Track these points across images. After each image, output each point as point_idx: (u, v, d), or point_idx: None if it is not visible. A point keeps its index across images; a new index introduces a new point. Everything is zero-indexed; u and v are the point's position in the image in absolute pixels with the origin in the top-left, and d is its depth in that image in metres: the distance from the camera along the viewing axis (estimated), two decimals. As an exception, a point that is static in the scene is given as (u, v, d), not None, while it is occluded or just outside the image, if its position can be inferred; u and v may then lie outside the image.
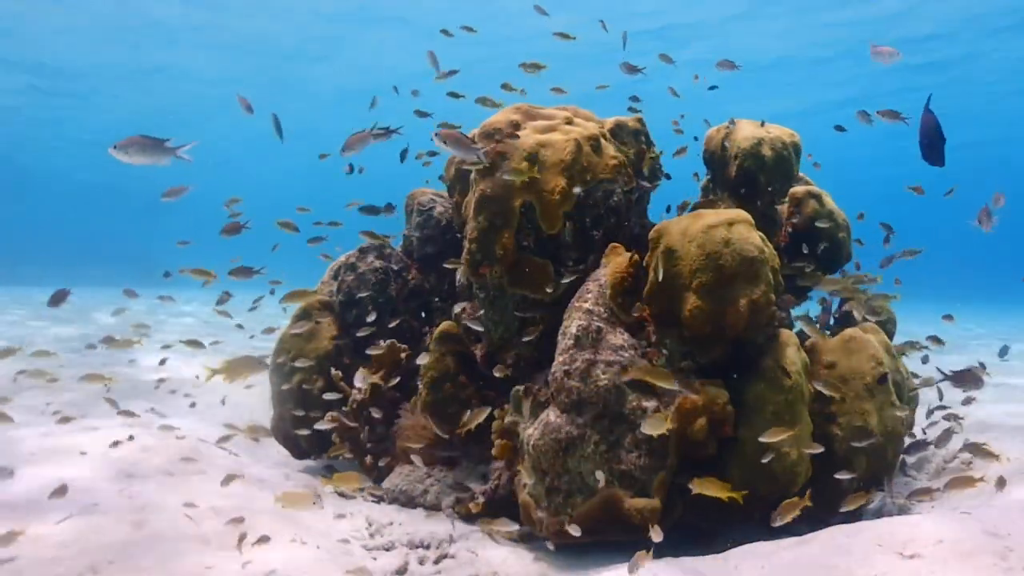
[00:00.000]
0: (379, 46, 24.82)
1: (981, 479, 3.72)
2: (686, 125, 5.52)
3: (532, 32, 21.24)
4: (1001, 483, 3.76)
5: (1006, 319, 21.91)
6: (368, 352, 4.61)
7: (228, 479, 3.64)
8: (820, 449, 3.45)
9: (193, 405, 6.46)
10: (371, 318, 4.84)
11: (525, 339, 3.92)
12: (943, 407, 4.97)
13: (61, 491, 3.20)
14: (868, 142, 32.21)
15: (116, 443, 4.21)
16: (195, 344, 4.91)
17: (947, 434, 4.88)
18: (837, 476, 3.52)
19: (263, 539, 3.05)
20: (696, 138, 5.31)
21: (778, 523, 3.04)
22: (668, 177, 4.64)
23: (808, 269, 4.27)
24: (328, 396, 4.53)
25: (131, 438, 4.28)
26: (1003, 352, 6.43)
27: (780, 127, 4.53)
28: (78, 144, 35.20)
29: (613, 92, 5.62)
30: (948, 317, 5.76)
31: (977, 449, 4.40)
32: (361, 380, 4.11)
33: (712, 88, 6.28)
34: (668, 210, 4.72)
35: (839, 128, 6.07)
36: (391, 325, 4.84)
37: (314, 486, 4.16)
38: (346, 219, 5.49)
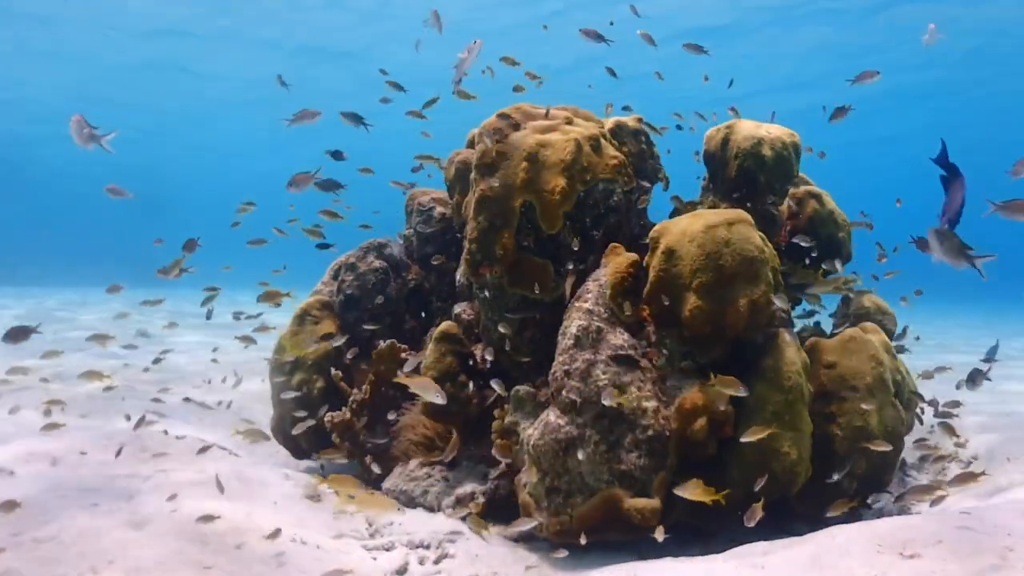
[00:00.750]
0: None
1: (940, 488, 3.72)
2: (675, 120, 5.52)
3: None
4: (965, 478, 3.73)
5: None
6: (348, 354, 4.62)
7: (219, 487, 3.62)
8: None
9: (187, 400, 6.47)
10: (380, 300, 4.84)
11: (501, 330, 3.92)
12: (931, 402, 5.01)
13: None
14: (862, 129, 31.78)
15: (120, 449, 4.21)
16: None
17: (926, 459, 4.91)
18: (828, 481, 3.52)
19: (274, 533, 3.05)
20: (679, 127, 5.32)
21: (751, 524, 3.04)
22: (666, 186, 4.63)
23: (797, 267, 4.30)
24: (286, 396, 4.56)
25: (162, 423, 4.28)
26: (991, 353, 6.33)
27: (780, 127, 4.53)
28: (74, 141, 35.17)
29: (611, 93, 5.60)
30: (915, 293, 5.75)
31: (945, 427, 4.41)
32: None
33: (729, 84, 6.29)
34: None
35: (824, 109, 6.09)
36: (370, 327, 4.83)
37: (312, 485, 4.16)
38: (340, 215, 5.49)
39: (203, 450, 4.26)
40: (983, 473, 3.87)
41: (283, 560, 2.96)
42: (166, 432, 4.73)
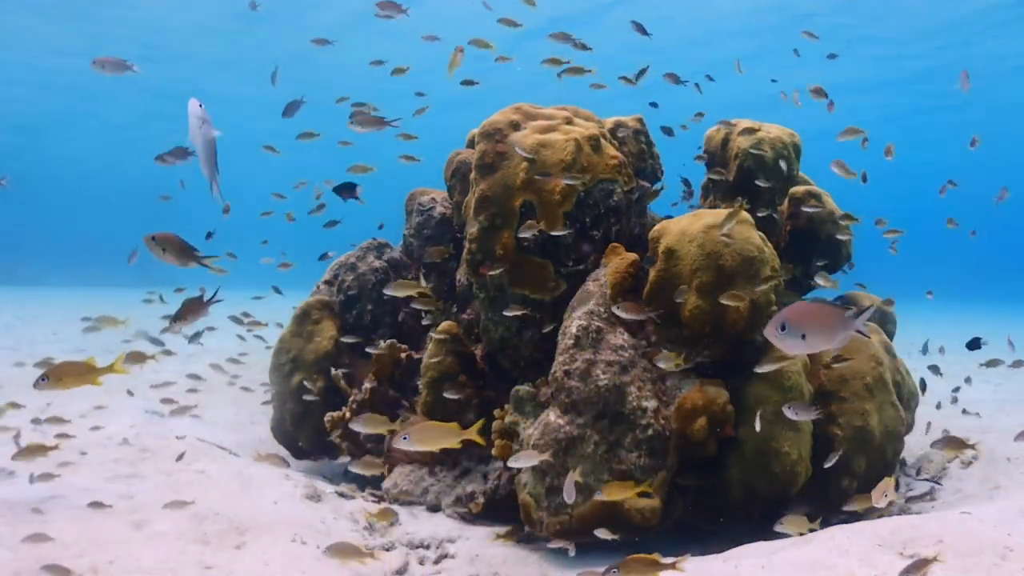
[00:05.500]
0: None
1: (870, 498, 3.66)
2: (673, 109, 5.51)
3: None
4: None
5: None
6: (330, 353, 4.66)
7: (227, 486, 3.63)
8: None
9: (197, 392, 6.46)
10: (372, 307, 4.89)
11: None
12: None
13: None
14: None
15: (124, 441, 4.21)
16: None
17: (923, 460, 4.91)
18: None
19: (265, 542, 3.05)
20: (653, 104, 5.29)
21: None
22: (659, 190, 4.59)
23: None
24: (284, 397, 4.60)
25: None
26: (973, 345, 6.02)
27: (780, 127, 4.53)
28: (77, 142, 35.24)
29: (611, 92, 5.58)
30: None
31: (951, 441, 4.34)
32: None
33: (738, 67, 6.32)
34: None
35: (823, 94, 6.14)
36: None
37: (313, 485, 4.16)
38: (344, 214, 5.50)
39: (203, 450, 4.26)
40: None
41: (283, 560, 2.96)
42: (167, 432, 4.73)
